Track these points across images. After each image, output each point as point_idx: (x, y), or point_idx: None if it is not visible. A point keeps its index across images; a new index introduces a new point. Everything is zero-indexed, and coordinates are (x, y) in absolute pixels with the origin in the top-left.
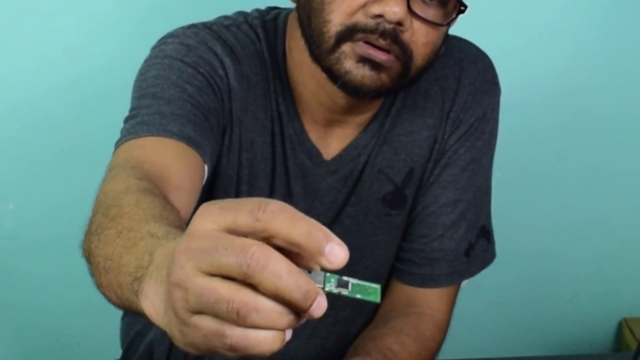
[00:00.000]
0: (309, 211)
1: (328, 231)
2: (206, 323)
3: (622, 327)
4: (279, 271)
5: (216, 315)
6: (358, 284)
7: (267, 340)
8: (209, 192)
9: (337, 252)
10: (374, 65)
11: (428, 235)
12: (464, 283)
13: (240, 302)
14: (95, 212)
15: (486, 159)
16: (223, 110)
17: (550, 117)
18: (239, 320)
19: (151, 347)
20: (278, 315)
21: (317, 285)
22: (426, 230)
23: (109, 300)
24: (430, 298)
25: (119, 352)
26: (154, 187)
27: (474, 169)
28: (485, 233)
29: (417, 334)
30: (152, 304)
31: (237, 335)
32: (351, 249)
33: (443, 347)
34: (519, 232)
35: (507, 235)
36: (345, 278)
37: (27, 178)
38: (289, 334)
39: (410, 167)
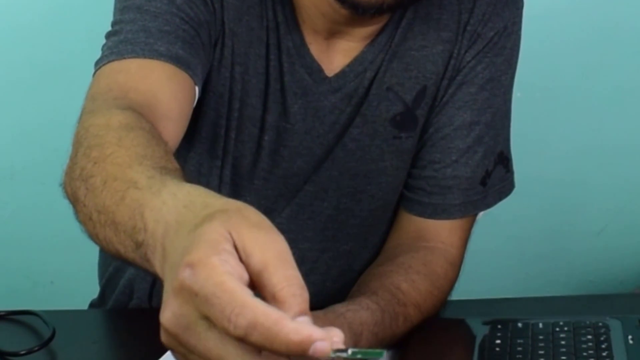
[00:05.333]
0: (308, 132)
1: (306, 332)
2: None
3: None
4: None
5: None
6: (359, 351)
7: None
8: (198, 110)
9: (321, 350)
10: None
11: (441, 160)
12: (480, 215)
13: None
14: (76, 151)
15: (506, 78)
16: (215, 22)
17: (575, 29)
18: None
19: (131, 285)
20: None
21: None
22: (439, 155)
23: (110, 253)
24: (442, 231)
25: (96, 291)
26: (139, 119)
27: (493, 88)
28: (504, 160)
29: (427, 271)
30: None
31: None
32: (356, 175)
33: (456, 286)
34: (540, 158)
35: (528, 161)
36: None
37: None
38: None
39: (422, 85)
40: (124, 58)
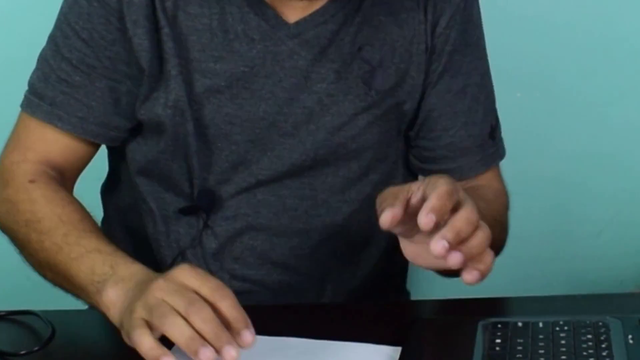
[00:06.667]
0: (269, 76)
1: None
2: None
3: None
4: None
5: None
6: None
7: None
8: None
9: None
10: None
11: (452, 126)
12: None
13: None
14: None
15: (481, 42)
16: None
17: (576, 29)
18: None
19: None
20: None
21: None
22: (449, 122)
23: (45, 278)
24: (476, 179)
25: None
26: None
27: (473, 52)
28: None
29: (480, 197)
30: (113, 303)
31: None
32: (331, 128)
33: (453, 286)
34: (540, 158)
35: (528, 162)
36: None
37: None
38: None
39: (391, 47)
40: (50, 123)
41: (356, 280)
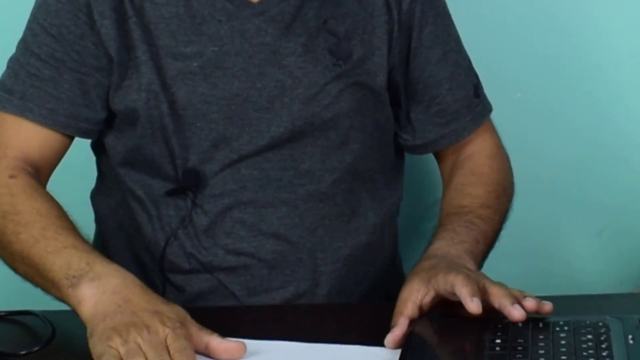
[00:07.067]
0: (239, 54)
1: None
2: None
3: None
4: None
5: None
6: None
7: None
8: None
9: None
10: None
11: (438, 94)
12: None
13: None
14: None
15: (445, 9)
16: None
17: (576, 29)
18: None
19: None
20: None
21: None
22: (435, 91)
23: (16, 271)
24: (472, 141)
25: None
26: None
27: (442, 21)
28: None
29: (477, 177)
30: (85, 299)
31: None
32: (304, 99)
33: None
34: (540, 158)
35: (528, 161)
36: None
37: None
38: None
39: (354, 20)
40: (24, 117)
41: (347, 248)
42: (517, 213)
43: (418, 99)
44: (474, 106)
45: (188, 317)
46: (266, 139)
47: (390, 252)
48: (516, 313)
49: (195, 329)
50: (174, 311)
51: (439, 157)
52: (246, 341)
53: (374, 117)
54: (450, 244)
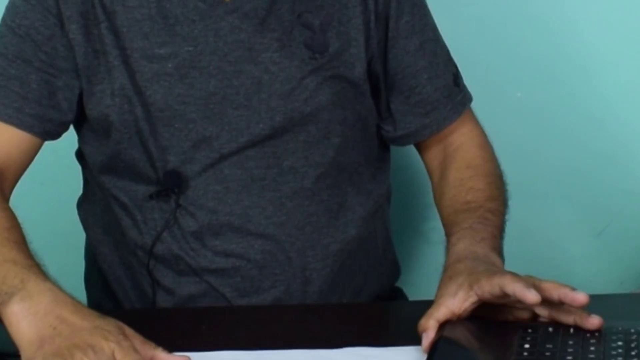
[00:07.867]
0: (214, 52)
1: None
2: None
3: None
4: None
5: None
6: None
7: None
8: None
9: None
10: None
11: (418, 84)
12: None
13: None
14: None
15: (421, 0)
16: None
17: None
18: None
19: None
20: None
21: None
22: (414, 81)
23: None
24: (456, 130)
25: None
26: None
27: (419, 11)
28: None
29: (474, 170)
30: (17, 319)
31: None
32: (283, 95)
33: None
34: (540, 158)
35: (527, 162)
36: None
37: None
38: None
39: (328, 13)
40: None
41: (337, 244)
42: (517, 214)
43: (397, 89)
44: (454, 95)
45: (127, 329)
46: (246, 137)
47: (382, 244)
48: (579, 297)
49: (138, 341)
50: (113, 324)
51: (422, 148)
52: (202, 354)
53: (355, 109)
54: (474, 243)
